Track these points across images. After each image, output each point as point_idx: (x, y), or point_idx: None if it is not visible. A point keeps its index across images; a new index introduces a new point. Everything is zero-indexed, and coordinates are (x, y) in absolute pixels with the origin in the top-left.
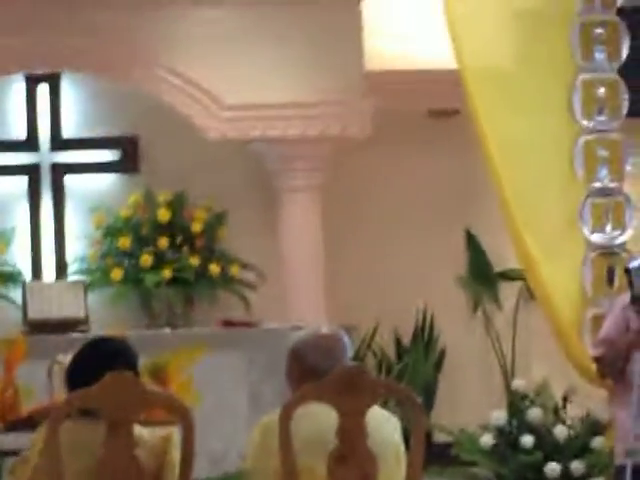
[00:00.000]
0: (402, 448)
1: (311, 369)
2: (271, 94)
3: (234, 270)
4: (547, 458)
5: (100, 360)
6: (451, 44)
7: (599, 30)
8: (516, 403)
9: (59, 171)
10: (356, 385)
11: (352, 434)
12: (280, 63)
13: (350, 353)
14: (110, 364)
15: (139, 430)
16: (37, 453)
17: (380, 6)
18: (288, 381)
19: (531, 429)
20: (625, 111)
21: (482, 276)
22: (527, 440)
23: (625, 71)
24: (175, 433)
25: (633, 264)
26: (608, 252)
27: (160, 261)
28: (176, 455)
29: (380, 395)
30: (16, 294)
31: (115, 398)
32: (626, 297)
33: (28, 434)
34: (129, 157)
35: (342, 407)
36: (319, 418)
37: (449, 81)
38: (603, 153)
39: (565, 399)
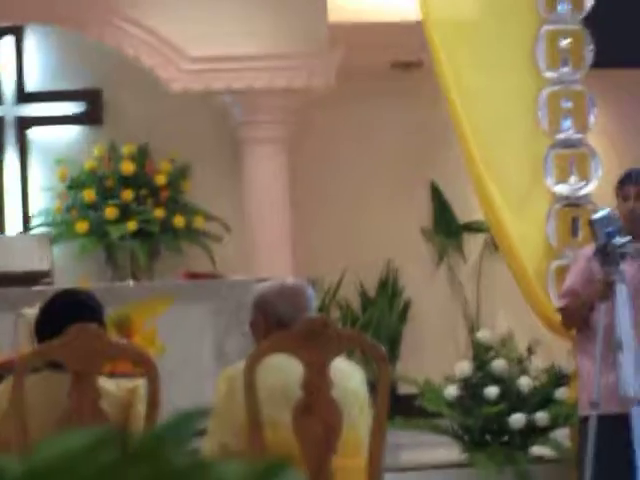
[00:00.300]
0: (367, 399)
1: (277, 320)
2: (235, 46)
3: (199, 222)
4: (511, 409)
5: (66, 312)
6: None
7: None
8: (480, 354)
9: (23, 124)
10: (320, 336)
11: (316, 385)
12: (244, 15)
13: (314, 305)
14: (76, 316)
15: (105, 382)
16: (4, 404)
17: None
18: (252, 332)
19: (496, 380)
20: (589, 62)
21: (447, 228)
22: (491, 391)
23: (590, 21)
24: (141, 385)
25: (596, 216)
26: (572, 204)
27: (125, 214)
28: (142, 407)
29: (345, 346)
30: None
31: (79, 350)
32: (590, 249)
33: None
34: (93, 109)
35: (306, 358)
36: (284, 370)
37: (413, 33)
38: (567, 104)
39: (529, 350)
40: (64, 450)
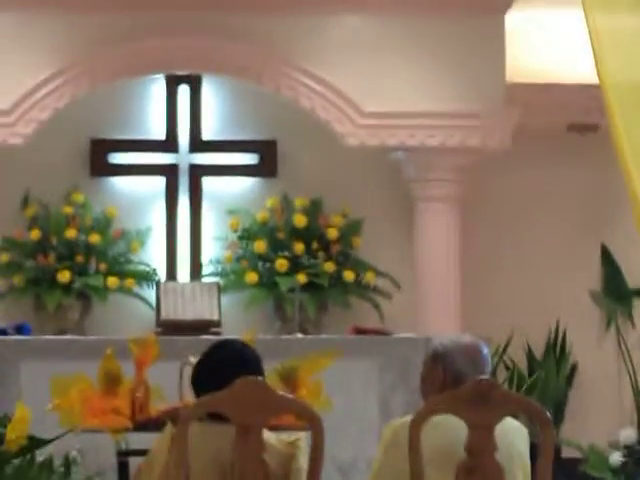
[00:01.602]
0: (528, 461)
1: (456, 375)
2: (411, 103)
3: (369, 278)
4: None
5: (224, 364)
6: (593, 58)
7: None
8: None
9: (197, 173)
10: (487, 398)
11: (481, 447)
12: (421, 72)
13: (489, 365)
14: (234, 368)
15: (268, 435)
16: (165, 452)
17: (522, 17)
18: (424, 385)
19: None
20: None
21: (616, 292)
22: None
23: None
24: (302, 438)
25: None
26: None
27: (295, 266)
28: (304, 462)
29: (511, 410)
30: (150, 294)
31: (245, 403)
32: None
33: (156, 435)
34: (267, 161)
35: (472, 420)
36: (448, 429)
37: (590, 95)
38: None
39: None
40: None
